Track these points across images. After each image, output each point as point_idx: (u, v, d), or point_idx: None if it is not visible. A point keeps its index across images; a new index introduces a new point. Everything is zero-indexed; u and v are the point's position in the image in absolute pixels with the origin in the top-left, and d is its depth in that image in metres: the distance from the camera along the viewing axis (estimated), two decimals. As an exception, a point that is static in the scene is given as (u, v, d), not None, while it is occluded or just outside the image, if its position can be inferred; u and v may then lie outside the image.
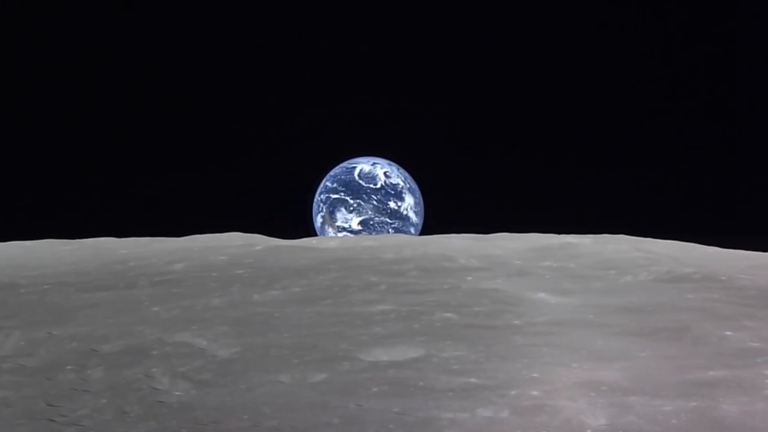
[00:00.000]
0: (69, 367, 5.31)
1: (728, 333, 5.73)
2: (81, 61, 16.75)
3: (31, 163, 16.80)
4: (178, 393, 4.87)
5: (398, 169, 16.14)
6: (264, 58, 17.00)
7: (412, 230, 16.04)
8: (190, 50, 16.93)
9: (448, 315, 6.22)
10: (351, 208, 15.65)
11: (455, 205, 16.78)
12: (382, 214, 15.66)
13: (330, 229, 15.66)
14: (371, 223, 15.63)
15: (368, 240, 9.73)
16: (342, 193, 15.72)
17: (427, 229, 16.18)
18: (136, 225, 15.88)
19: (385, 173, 15.95)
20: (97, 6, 16.48)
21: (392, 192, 15.84)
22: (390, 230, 15.68)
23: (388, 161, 16.21)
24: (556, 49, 16.68)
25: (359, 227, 15.64)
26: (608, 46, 16.51)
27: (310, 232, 15.92)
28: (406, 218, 15.91)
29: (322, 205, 15.89)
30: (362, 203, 15.64)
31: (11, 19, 16.24)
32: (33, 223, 16.12)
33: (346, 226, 15.64)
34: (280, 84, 16.99)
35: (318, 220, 15.99)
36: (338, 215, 15.67)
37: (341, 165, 16.14)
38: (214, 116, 17.05)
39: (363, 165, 16.04)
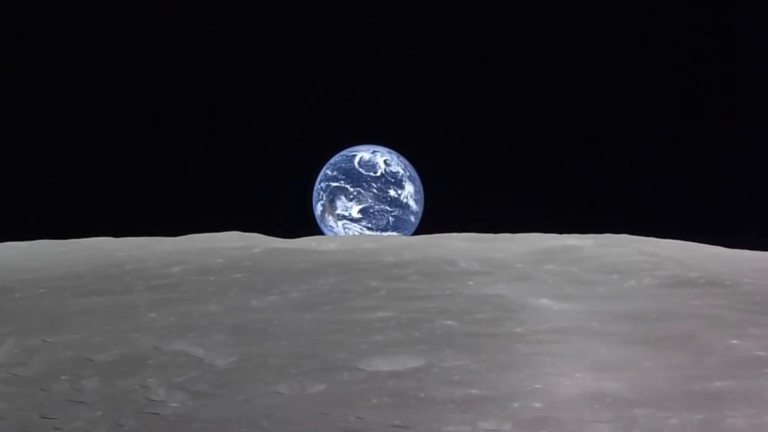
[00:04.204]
0: (63, 377, 5.23)
1: (734, 341, 5.64)
2: (77, 60, 16.67)
3: (27, 162, 16.73)
4: (174, 405, 4.78)
5: (398, 157, 16.08)
6: (263, 48, 16.92)
7: (412, 218, 16.00)
8: (187, 47, 16.85)
9: (449, 322, 6.13)
10: (351, 196, 15.60)
11: (455, 193, 16.74)
12: (382, 202, 15.61)
13: (330, 217, 15.61)
14: (371, 211, 15.58)
15: (368, 242, 9.64)
16: (342, 181, 15.67)
17: (426, 217, 16.15)
18: (135, 214, 15.86)
19: (385, 161, 15.89)
20: (96, 6, 16.39)
21: (392, 180, 15.78)
22: (390, 218, 15.62)
23: (388, 149, 16.15)
24: (558, 49, 16.60)
25: (359, 215, 15.59)
26: (610, 45, 16.44)
27: (310, 220, 15.88)
28: (406, 206, 15.85)
29: (322, 193, 15.83)
30: (362, 191, 15.59)
31: (10, 20, 16.15)
32: (29, 223, 16.06)
33: (346, 214, 15.59)
34: (280, 73, 16.91)
35: (318, 209, 15.93)
36: (338, 203, 15.62)
37: (341, 153, 16.09)
38: (213, 104, 17.00)
39: (363, 153, 15.97)
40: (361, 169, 15.75)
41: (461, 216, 16.23)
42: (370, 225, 15.66)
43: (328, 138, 16.40)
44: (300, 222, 15.95)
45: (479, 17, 16.76)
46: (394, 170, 15.90)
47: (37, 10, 16.37)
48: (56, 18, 16.39)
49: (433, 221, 16.02)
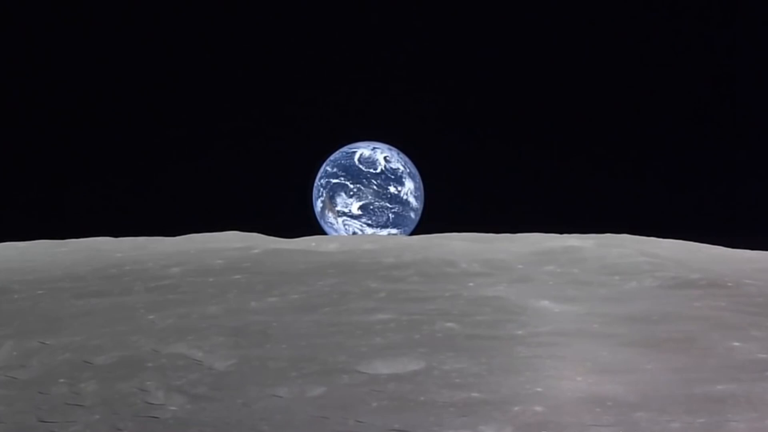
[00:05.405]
0: (62, 380, 5.20)
1: (736, 344, 5.61)
2: (76, 60, 16.63)
3: (26, 162, 16.69)
4: (173, 408, 4.75)
5: (398, 154, 16.06)
6: (262, 46, 16.89)
7: (412, 215, 15.99)
8: (186, 47, 16.82)
9: (450, 324, 6.10)
10: (351, 193, 15.58)
11: (455, 189, 16.70)
12: (382, 199, 15.60)
13: (330, 214, 15.59)
14: (371, 207, 15.57)
15: (368, 242, 9.61)
16: (342, 178, 15.65)
17: (426, 214, 16.13)
18: (134, 214, 15.82)
19: (385, 158, 15.87)
20: (95, 5, 16.36)
21: (392, 177, 15.77)
22: (390, 215, 15.61)
23: (388, 146, 16.12)
24: (559, 49, 16.56)
25: (359, 212, 15.57)
26: (610, 45, 16.40)
27: (311, 217, 15.86)
28: (406, 203, 15.84)
29: (322, 189, 15.81)
30: (362, 188, 15.57)
31: (9, 20, 16.12)
32: (28, 223, 16.02)
33: (346, 210, 15.57)
34: (280, 71, 16.87)
35: (318, 205, 15.91)
36: (338, 200, 15.60)
37: (341, 150, 16.06)
38: (212, 103, 16.96)
39: (363, 150, 15.95)
40: (361, 166, 15.73)
41: (461, 212, 16.24)
42: (370, 222, 15.66)
43: (329, 135, 16.39)
44: (300, 219, 15.95)
45: (482, 15, 16.73)
46: (394, 167, 15.89)
47: (36, 9, 16.35)
48: (55, 17, 16.37)
49: (432, 218, 16.03)
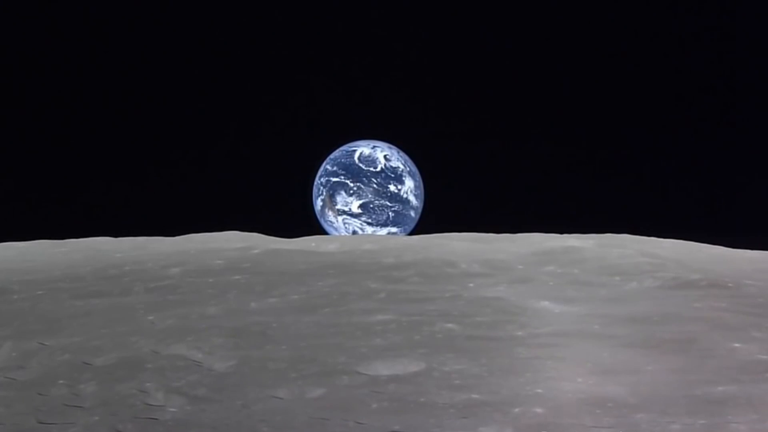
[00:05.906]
0: (61, 382, 5.19)
1: (736, 345, 5.60)
2: (76, 60, 16.63)
3: (25, 161, 16.69)
4: (172, 409, 4.75)
5: (398, 153, 16.05)
6: (262, 44, 16.88)
7: (412, 213, 15.99)
8: (186, 46, 16.81)
9: (450, 325, 6.09)
10: (351, 192, 15.58)
11: (455, 188, 16.70)
12: (382, 198, 15.60)
13: (330, 213, 15.59)
14: (371, 206, 15.57)
15: (368, 242, 9.60)
16: (342, 177, 15.65)
17: (426, 214, 16.12)
18: (133, 214, 15.81)
19: (385, 156, 15.87)
20: (94, 4, 16.35)
21: (392, 175, 15.77)
22: (390, 213, 15.61)
23: (388, 144, 16.13)
24: (560, 47, 16.56)
25: (359, 210, 15.57)
26: (611, 44, 16.39)
27: (311, 216, 15.86)
28: (406, 201, 15.85)
29: (322, 188, 15.82)
30: (362, 186, 15.57)
31: (10, 19, 16.12)
32: (27, 223, 16.02)
33: (346, 209, 15.57)
34: (280, 69, 16.86)
35: (318, 204, 15.92)
36: (338, 198, 15.60)
37: (341, 148, 16.07)
38: (212, 101, 16.95)
39: (363, 148, 15.95)
40: (361, 164, 15.73)
41: (461, 211, 16.24)
42: (370, 220, 15.66)
43: (329, 134, 16.38)
44: (300, 217, 15.95)
45: (482, 14, 16.73)
46: (394, 165, 15.89)
47: (35, 9, 16.34)
48: (55, 17, 16.36)
49: (432, 218, 16.02)
